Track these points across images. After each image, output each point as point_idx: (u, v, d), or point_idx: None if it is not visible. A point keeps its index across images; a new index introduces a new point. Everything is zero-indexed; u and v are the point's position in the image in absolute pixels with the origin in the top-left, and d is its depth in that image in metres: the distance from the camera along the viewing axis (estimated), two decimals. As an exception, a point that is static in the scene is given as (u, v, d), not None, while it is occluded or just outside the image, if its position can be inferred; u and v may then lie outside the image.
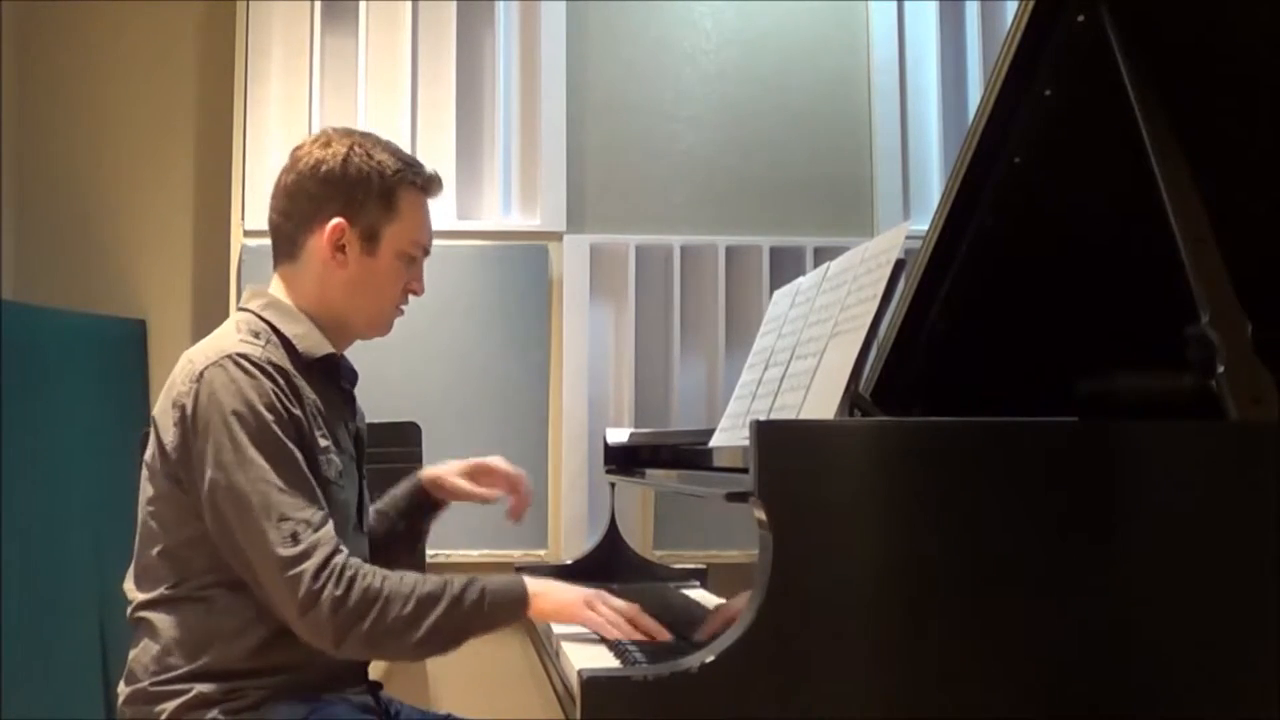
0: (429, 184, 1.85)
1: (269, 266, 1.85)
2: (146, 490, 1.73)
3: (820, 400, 1.61)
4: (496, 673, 3.22)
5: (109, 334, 3.45)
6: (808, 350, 1.76)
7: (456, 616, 1.62)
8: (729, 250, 3.45)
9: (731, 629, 1.33)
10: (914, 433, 1.43)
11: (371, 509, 2.05)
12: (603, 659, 1.61)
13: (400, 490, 2.11)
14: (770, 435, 1.37)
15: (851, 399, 1.59)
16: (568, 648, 1.70)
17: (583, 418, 3.36)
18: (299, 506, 1.61)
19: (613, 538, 2.46)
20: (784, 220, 3.49)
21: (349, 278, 1.80)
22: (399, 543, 2.06)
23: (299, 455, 1.65)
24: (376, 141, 1.83)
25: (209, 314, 3.41)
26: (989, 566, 1.37)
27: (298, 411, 1.68)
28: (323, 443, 1.72)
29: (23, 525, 2.94)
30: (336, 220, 1.78)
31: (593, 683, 1.33)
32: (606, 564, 2.41)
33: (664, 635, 1.71)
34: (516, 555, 3.20)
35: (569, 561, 2.48)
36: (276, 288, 1.83)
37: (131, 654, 1.71)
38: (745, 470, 1.39)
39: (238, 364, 1.66)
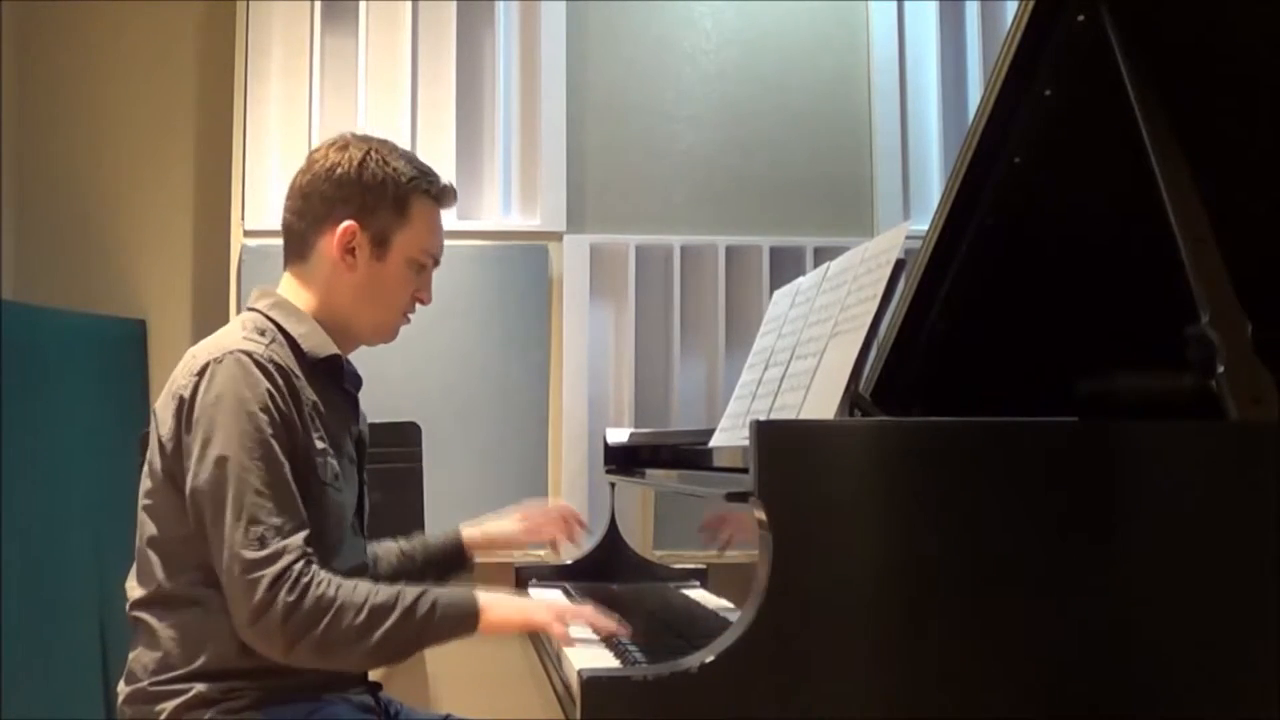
0: (443, 194, 1.86)
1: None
2: (145, 485, 1.73)
3: (820, 400, 1.61)
4: (496, 673, 3.21)
5: (109, 334, 3.45)
6: (808, 350, 1.76)
7: (408, 628, 1.62)
8: (729, 250, 3.45)
9: (731, 629, 1.34)
10: (914, 433, 1.43)
11: (395, 544, 2.06)
12: (603, 659, 1.61)
13: (436, 540, 2.12)
14: (770, 435, 1.37)
15: (851, 399, 1.60)
16: (568, 648, 1.70)
17: (583, 418, 3.36)
18: (272, 512, 1.61)
19: (613, 538, 2.46)
20: (784, 220, 3.49)
21: (357, 281, 1.81)
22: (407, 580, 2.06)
23: (285, 462, 1.65)
24: (393, 149, 1.84)
25: (209, 314, 3.41)
26: (989, 566, 1.37)
27: (293, 413, 1.68)
28: (319, 444, 1.72)
29: (23, 525, 2.94)
30: (348, 222, 1.79)
31: (593, 683, 1.33)
32: (606, 564, 2.41)
33: (621, 630, 1.70)
34: (516, 555, 3.20)
35: (569, 562, 2.48)
36: (285, 288, 1.83)
37: (131, 654, 1.72)
38: (745, 470, 1.39)
39: (239, 361, 1.66)
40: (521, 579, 2.45)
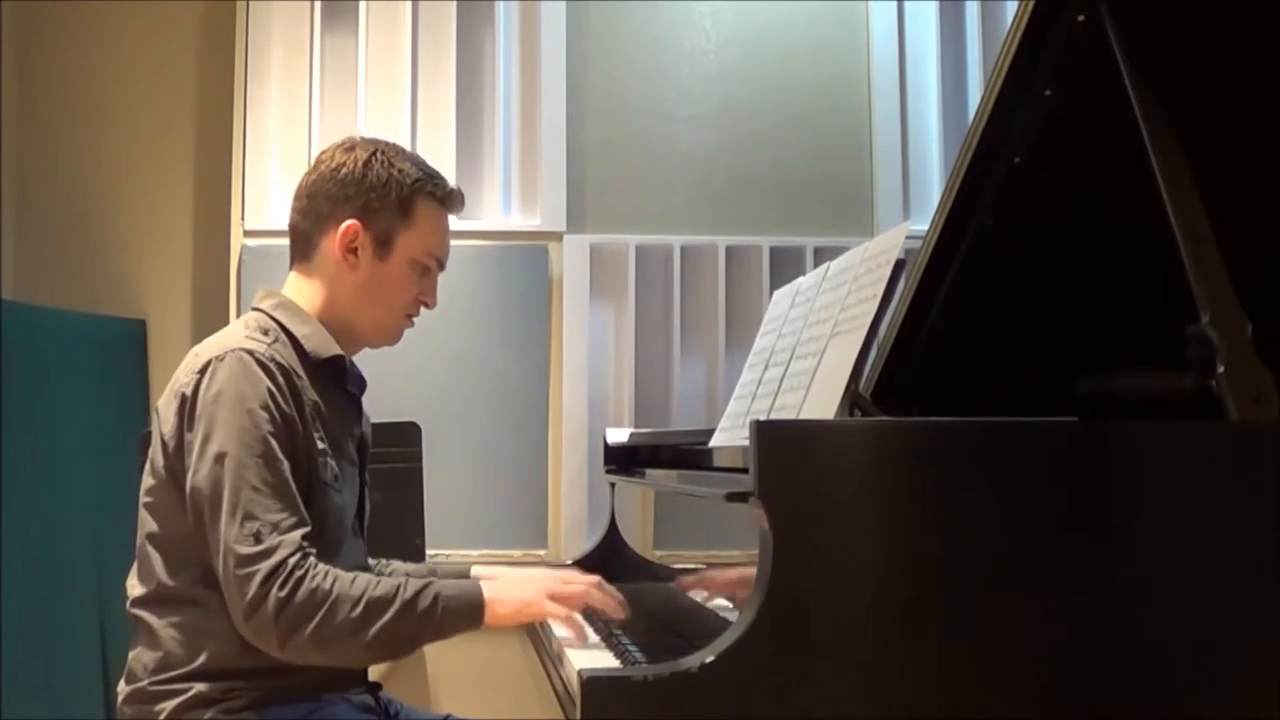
0: (449, 198, 1.87)
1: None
2: (146, 482, 1.74)
3: (820, 400, 1.61)
4: (496, 673, 3.21)
5: (109, 334, 3.45)
6: (808, 350, 1.76)
7: (408, 622, 1.60)
8: (729, 250, 3.44)
9: (731, 629, 1.34)
10: (914, 433, 1.43)
11: (403, 568, 2.03)
12: (603, 659, 1.61)
13: (446, 571, 2.06)
14: (770, 435, 1.37)
15: (851, 399, 1.60)
16: (568, 648, 1.70)
17: (583, 418, 3.36)
18: (269, 508, 1.60)
19: (613, 538, 2.46)
20: (784, 220, 3.48)
21: (359, 281, 1.81)
22: None
23: (285, 460, 1.65)
24: (401, 152, 1.85)
25: (209, 314, 3.41)
26: (989, 566, 1.37)
27: (294, 412, 1.68)
28: (320, 445, 1.72)
29: (23, 525, 2.94)
30: (350, 222, 1.79)
31: (593, 683, 1.33)
32: (606, 564, 2.41)
33: (620, 613, 1.73)
34: (516, 555, 3.20)
35: (569, 562, 2.48)
36: (289, 289, 1.84)
37: (131, 653, 1.72)
38: (745, 470, 1.39)
39: (240, 359, 1.67)
40: (521, 579, 2.45)
